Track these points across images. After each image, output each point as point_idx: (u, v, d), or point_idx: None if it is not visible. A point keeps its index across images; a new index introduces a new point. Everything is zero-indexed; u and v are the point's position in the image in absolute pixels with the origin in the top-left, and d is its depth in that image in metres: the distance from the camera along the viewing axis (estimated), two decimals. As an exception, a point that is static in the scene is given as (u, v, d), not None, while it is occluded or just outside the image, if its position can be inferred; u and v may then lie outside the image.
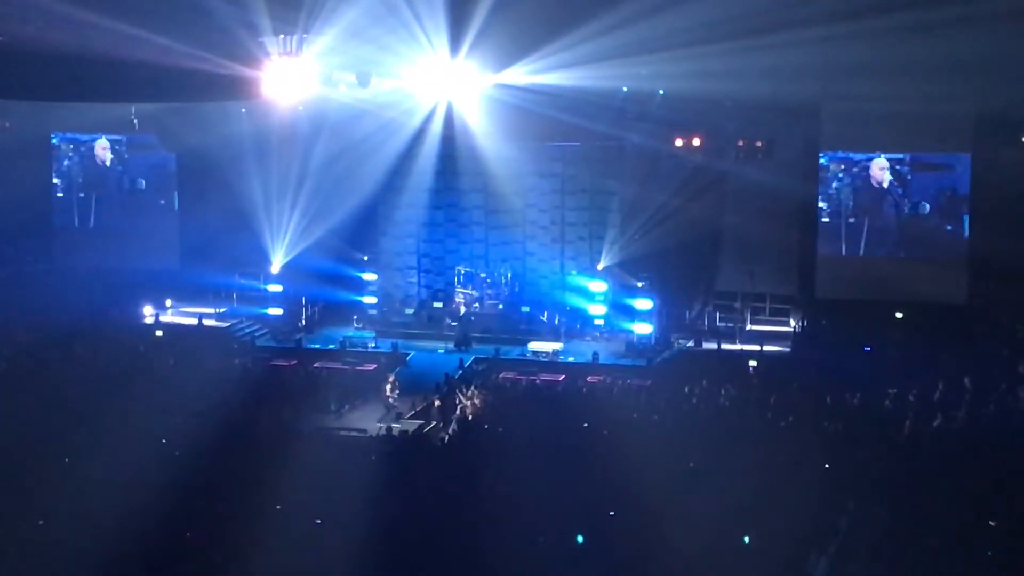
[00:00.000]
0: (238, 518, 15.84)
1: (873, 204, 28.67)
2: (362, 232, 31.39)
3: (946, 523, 15.57)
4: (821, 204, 29.02)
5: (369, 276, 31.15)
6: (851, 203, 28.83)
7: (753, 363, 25.85)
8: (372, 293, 30.89)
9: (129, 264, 32.14)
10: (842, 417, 20.93)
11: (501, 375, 25.89)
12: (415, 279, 31.61)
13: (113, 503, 15.82)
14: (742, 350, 27.14)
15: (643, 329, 28.11)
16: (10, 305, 27.70)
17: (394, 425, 22.40)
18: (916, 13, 23.28)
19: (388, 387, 25.00)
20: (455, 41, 27.24)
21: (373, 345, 28.94)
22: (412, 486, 17.57)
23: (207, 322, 30.62)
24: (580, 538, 15.14)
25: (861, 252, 28.93)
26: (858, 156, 28.71)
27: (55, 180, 33.61)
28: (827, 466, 18.34)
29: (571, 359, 27.60)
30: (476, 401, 23.58)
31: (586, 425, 21.59)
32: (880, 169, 28.55)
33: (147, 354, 26.62)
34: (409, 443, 20.86)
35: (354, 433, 22.17)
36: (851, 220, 28.90)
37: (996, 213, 26.82)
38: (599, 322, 29.10)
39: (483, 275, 30.44)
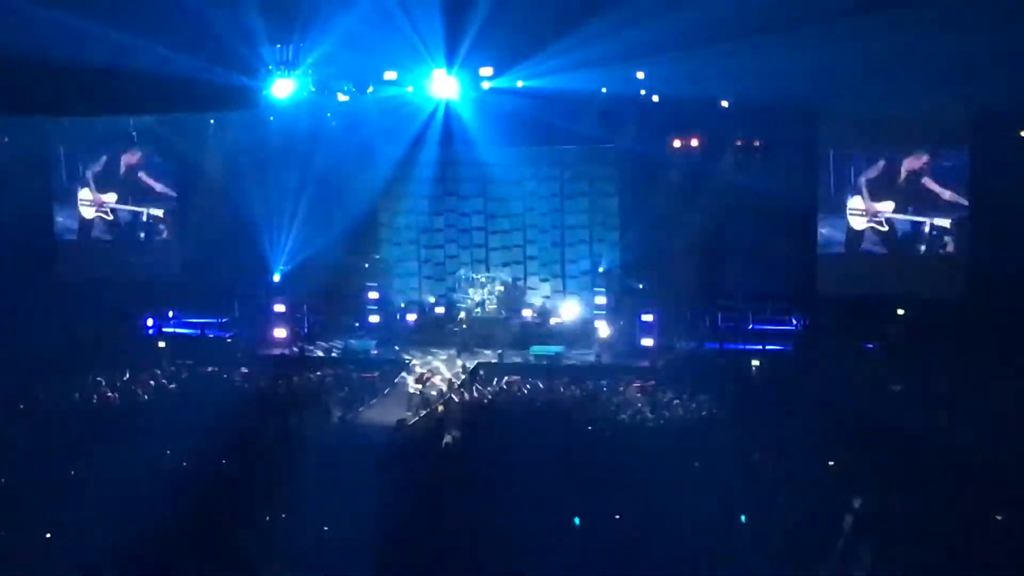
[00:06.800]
0: (245, 527, 15.89)
1: (872, 202, 28.64)
2: (363, 239, 31.40)
3: (953, 519, 15.61)
4: (819, 203, 28.99)
5: (370, 283, 31.09)
6: (848, 201, 28.79)
7: (756, 362, 25.88)
8: (374, 300, 30.83)
9: (130, 275, 32.11)
10: (845, 415, 20.95)
11: (504, 379, 25.87)
12: (416, 285, 31.58)
13: (120, 513, 15.87)
14: (744, 350, 27.13)
15: (646, 331, 28.05)
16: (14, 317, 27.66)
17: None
18: (913, 11, 23.29)
19: None
20: (452, 46, 27.28)
21: (375, 352, 28.93)
22: (417, 491, 17.61)
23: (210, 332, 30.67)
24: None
25: (861, 250, 28.90)
26: (856, 155, 28.70)
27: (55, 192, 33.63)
28: (831, 464, 18.38)
29: (574, 362, 27.58)
30: (479, 405, 23.59)
31: (590, 428, 21.65)
32: (878, 167, 28.53)
33: (151, 365, 26.67)
34: (413, 448, 20.91)
35: (359, 440, 22.17)
36: (850, 218, 28.85)
37: (995, 210, 26.82)
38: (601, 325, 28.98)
39: (484, 279, 30.38)
